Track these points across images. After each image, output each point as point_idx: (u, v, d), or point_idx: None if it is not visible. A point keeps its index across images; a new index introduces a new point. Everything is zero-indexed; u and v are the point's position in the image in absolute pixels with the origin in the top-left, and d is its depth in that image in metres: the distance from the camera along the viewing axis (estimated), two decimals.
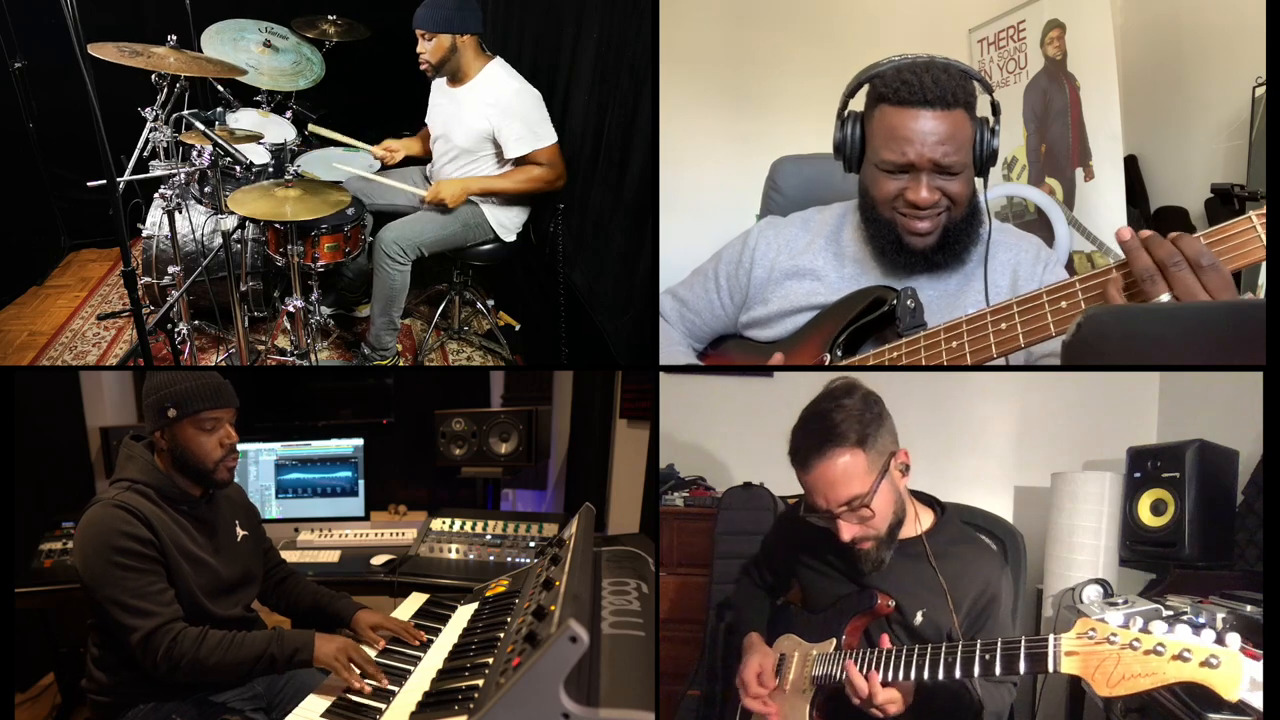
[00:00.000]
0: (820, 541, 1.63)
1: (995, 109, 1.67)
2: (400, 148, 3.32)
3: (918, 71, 1.60)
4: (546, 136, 3.00)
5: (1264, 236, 1.24)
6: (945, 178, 1.62)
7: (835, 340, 1.72)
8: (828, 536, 1.55)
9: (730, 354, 2.01)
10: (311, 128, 3.46)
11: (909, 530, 1.57)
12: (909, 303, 1.66)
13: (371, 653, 1.82)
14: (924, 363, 1.57)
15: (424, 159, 3.34)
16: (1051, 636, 1.20)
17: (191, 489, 1.79)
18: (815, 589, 1.65)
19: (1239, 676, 1.02)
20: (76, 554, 1.68)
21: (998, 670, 1.26)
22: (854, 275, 1.82)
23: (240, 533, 1.92)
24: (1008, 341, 1.47)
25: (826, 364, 1.72)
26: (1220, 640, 1.04)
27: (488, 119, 2.98)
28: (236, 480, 1.88)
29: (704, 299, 2.00)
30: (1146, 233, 1.31)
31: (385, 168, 3.34)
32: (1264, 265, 1.41)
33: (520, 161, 3.02)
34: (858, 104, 1.73)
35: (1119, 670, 1.10)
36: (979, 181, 1.70)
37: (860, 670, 1.41)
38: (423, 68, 3.02)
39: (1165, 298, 1.27)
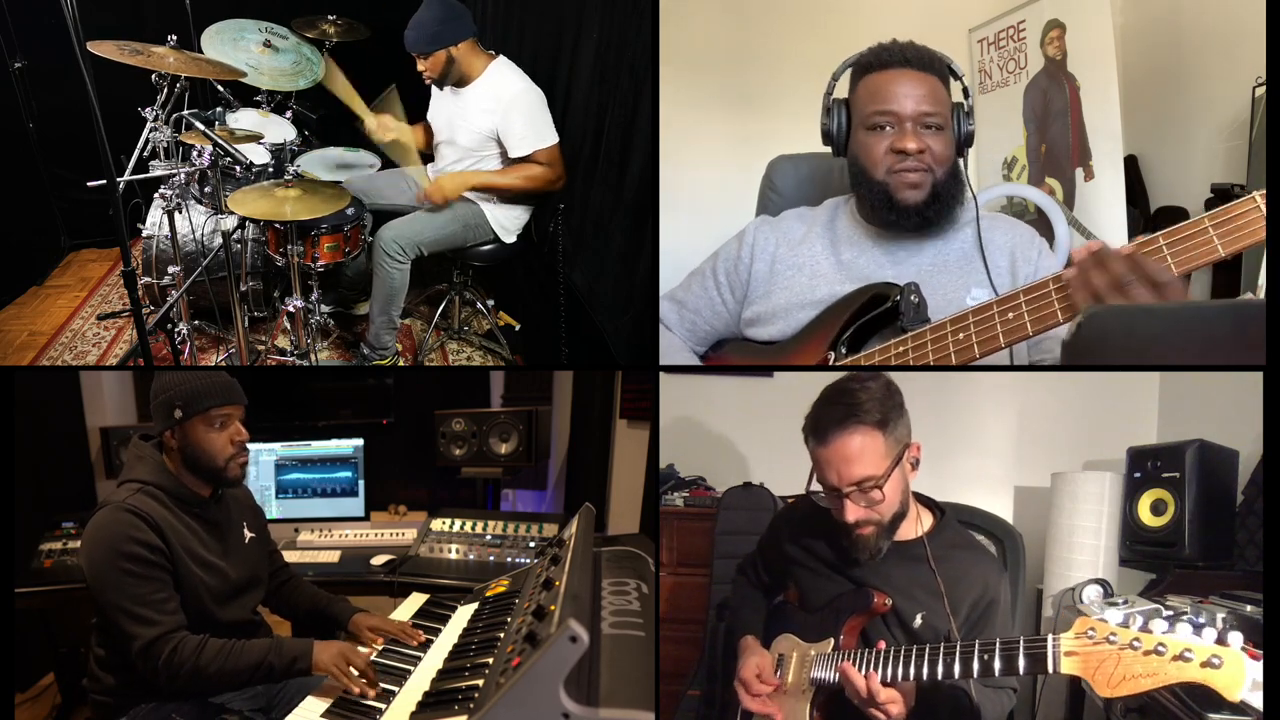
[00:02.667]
0: (815, 539, 1.63)
1: (966, 93, 1.80)
2: (395, 128, 3.20)
3: (894, 44, 1.80)
4: (549, 137, 3.00)
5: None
6: (929, 132, 1.73)
7: (839, 338, 1.72)
8: (823, 534, 1.55)
9: (729, 358, 2.00)
10: (326, 81, 3.35)
11: (910, 532, 1.56)
12: (912, 298, 1.66)
13: (369, 654, 1.82)
14: (930, 356, 1.57)
15: (424, 154, 3.32)
16: (1050, 636, 1.17)
17: (201, 489, 1.79)
18: (811, 588, 1.65)
19: (1241, 677, 1.00)
20: (83, 555, 1.67)
21: (996, 670, 1.24)
22: (851, 260, 1.84)
23: (248, 535, 1.91)
24: (1015, 331, 1.48)
25: (830, 362, 1.72)
26: (1222, 640, 1.02)
27: (492, 119, 2.98)
28: None
29: (704, 298, 2.00)
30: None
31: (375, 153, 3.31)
32: (1264, 268, 1.41)
33: (521, 160, 3.02)
34: (841, 96, 1.87)
35: (1119, 670, 1.08)
36: (959, 161, 1.80)
37: (859, 671, 1.40)
38: (427, 82, 3.03)
39: None
